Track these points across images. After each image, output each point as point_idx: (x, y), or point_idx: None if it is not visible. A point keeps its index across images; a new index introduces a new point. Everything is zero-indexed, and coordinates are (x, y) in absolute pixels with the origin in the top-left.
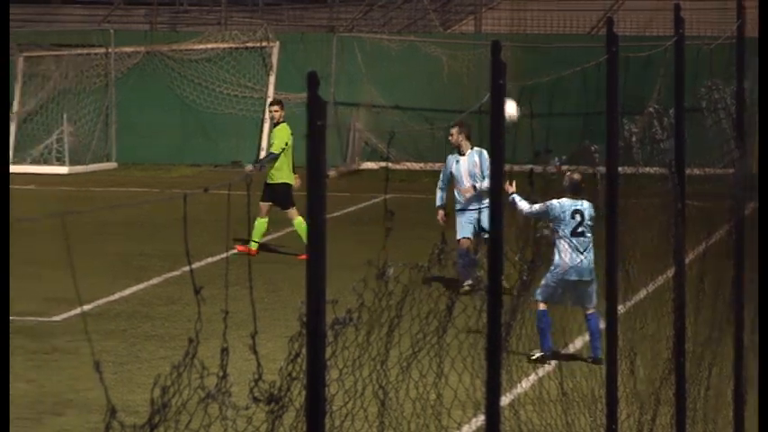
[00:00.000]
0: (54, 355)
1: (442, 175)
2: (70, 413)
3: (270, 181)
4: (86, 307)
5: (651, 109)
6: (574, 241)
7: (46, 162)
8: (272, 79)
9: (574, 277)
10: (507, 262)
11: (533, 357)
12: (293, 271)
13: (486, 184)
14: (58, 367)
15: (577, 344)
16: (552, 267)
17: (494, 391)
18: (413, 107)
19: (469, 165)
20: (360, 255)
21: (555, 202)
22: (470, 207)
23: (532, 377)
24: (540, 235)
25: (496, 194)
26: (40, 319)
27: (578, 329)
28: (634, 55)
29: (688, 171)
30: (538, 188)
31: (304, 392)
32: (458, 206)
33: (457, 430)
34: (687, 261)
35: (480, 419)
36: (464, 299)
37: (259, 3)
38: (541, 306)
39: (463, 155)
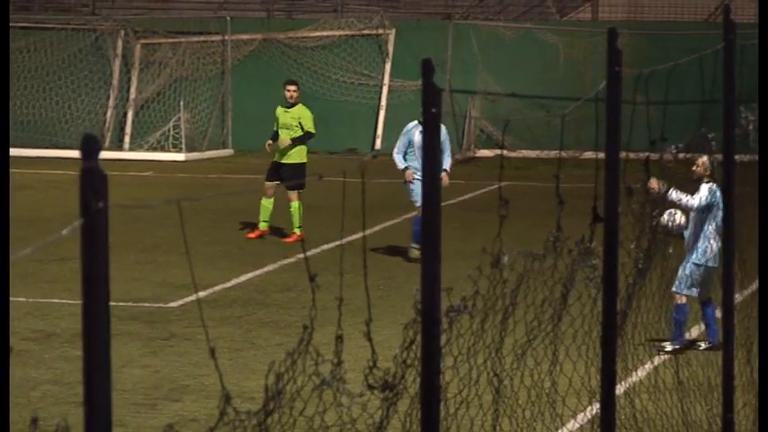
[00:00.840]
0: (170, 341)
1: (400, 142)
2: (186, 399)
3: (287, 161)
4: (202, 293)
5: None
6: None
7: (163, 149)
8: (387, 67)
9: (713, 264)
10: (622, 250)
11: (667, 350)
12: (409, 259)
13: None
14: (174, 353)
15: (693, 333)
16: (700, 257)
17: (609, 379)
18: (529, 95)
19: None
20: (474, 243)
21: (714, 187)
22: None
23: (648, 366)
24: (657, 223)
25: (612, 179)
26: (157, 305)
27: (693, 318)
28: (751, 43)
29: None
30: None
31: (418, 380)
32: (416, 174)
33: (572, 418)
34: None
35: (595, 408)
36: (579, 287)
37: None
38: (683, 299)
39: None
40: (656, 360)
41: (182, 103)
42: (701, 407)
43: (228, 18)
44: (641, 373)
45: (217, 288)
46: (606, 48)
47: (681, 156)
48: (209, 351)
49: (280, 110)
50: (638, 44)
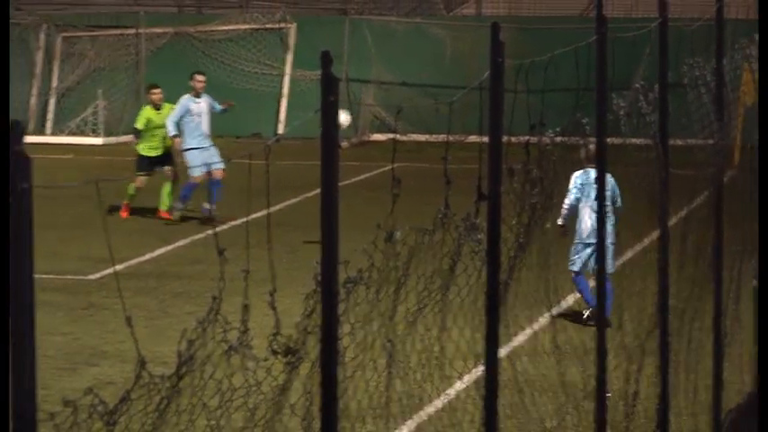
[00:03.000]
0: (90, 311)
1: (175, 111)
2: (104, 364)
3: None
4: (119, 266)
5: (638, 85)
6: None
7: (82, 134)
8: (289, 58)
9: (593, 239)
10: (504, 226)
11: (585, 316)
12: (310, 234)
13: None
14: (93, 321)
15: (570, 300)
16: (577, 235)
17: (492, 343)
18: (419, 84)
19: (207, 108)
20: (370, 219)
21: (577, 173)
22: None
23: (528, 331)
24: (535, 201)
25: (495, 161)
26: (77, 277)
27: (570, 287)
28: (621, 35)
29: (671, 142)
30: (533, 158)
31: (319, 345)
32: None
33: (459, 380)
34: (670, 224)
35: (480, 370)
36: (465, 259)
37: None
38: (573, 275)
39: (200, 98)
40: (536, 326)
41: (100, 92)
42: (576, 368)
43: (142, 13)
44: (522, 337)
45: (132, 262)
46: (489, 40)
47: (558, 139)
48: (125, 319)
49: (151, 111)
50: (519, 37)
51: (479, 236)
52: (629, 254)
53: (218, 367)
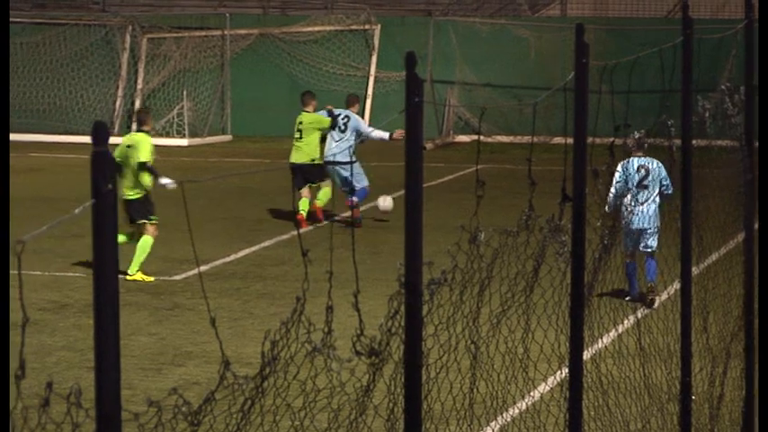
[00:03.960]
0: (175, 311)
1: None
2: (189, 364)
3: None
4: (204, 267)
5: (723, 87)
6: (638, 193)
7: (167, 135)
8: (373, 59)
9: (637, 226)
10: (589, 227)
11: (627, 299)
12: (393, 235)
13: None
14: (178, 322)
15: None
16: (623, 222)
17: (577, 345)
18: (502, 85)
19: None
20: (453, 220)
21: (622, 162)
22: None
23: (612, 333)
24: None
25: (579, 162)
26: (162, 278)
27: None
28: (707, 37)
29: (757, 144)
30: (618, 159)
31: (402, 346)
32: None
33: (543, 382)
34: (756, 226)
35: (564, 372)
36: (550, 261)
37: None
38: (628, 259)
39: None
40: (620, 328)
41: (184, 93)
42: (660, 371)
43: (228, 15)
44: (606, 339)
45: (217, 262)
46: (574, 41)
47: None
48: (209, 320)
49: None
50: (604, 38)
51: (564, 237)
52: (713, 256)
53: (302, 368)
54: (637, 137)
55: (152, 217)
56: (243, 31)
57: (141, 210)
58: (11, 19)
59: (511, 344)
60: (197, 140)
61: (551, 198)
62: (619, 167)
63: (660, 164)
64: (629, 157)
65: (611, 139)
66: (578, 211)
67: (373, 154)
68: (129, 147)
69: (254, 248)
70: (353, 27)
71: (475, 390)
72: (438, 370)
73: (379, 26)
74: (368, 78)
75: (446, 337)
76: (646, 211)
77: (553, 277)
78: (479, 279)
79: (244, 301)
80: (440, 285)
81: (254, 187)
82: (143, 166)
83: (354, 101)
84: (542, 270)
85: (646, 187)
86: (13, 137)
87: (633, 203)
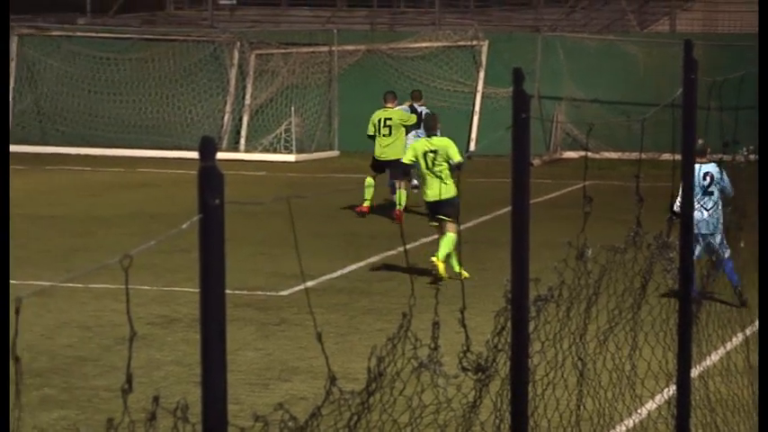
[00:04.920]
0: (281, 327)
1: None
2: (296, 379)
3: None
4: (310, 283)
5: None
6: (704, 199)
7: (275, 150)
8: (481, 75)
9: (704, 231)
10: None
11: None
12: (499, 251)
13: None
14: (284, 337)
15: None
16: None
17: (685, 363)
18: (611, 101)
19: None
20: (560, 237)
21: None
22: None
23: (721, 350)
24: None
25: (688, 179)
26: (269, 293)
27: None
28: None
29: None
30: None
31: (509, 363)
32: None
33: (650, 399)
34: None
35: (672, 389)
36: (657, 278)
37: (470, 5)
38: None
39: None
40: (729, 345)
41: (292, 109)
42: None
43: (335, 30)
44: (715, 357)
45: (324, 278)
46: (683, 57)
47: (752, 157)
48: (316, 335)
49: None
50: (712, 54)
51: (671, 254)
52: None
53: (409, 384)
54: (700, 142)
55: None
56: (350, 47)
57: (451, 208)
58: (120, 35)
59: (618, 361)
60: (304, 156)
61: (659, 214)
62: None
63: (719, 167)
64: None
65: (720, 156)
66: (686, 228)
67: (477, 171)
68: (432, 152)
69: (361, 264)
70: (461, 43)
71: (582, 406)
72: (545, 386)
73: (486, 42)
74: (475, 94)
75: (553, 354)
76: (712, 217)
77: (661, 294)
78: (586, 295)
79: (350, 316)
80: (546, 302)
81: (361, 203)
82: (459, 166)
83: (418, 96)
84: (650, 287)
85: (711, 194)
86: (122, 152)
87: (700, 210)
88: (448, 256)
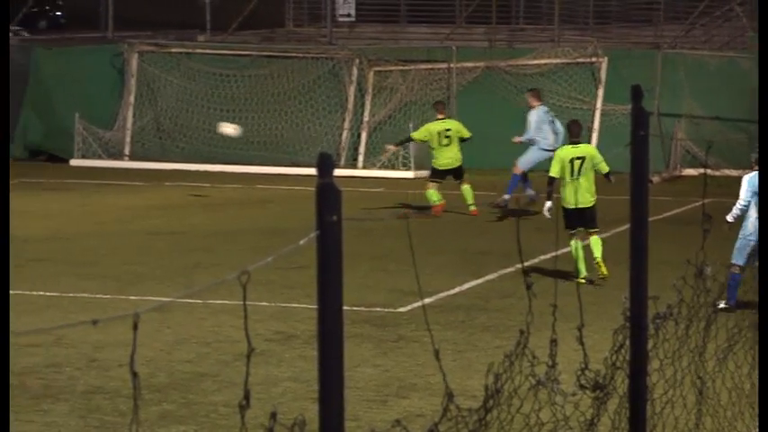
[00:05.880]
0: (399, 343)
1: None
2: (414, 396)
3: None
4: (428, 300)
5: None
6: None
7: (393, 167)
8: (600, 92)
9: (755, 240)
10: None
11: (720, 307)
12: (617, 268)
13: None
14: (402, 354)
15: None
16: (741, 232)
17: None
18: (731, 118)
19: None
20: (679, 254)
21: (747, 176)
22: None
23: None
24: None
25: None
26: (387, 309)
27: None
28: None
29: None
30: None
31: (627, 381)
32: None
33: None
34: None
35: None
36: None
37: (589, 21)
38: (736, 270)
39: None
40: None
41: (411, 126)
42: None
43: (454, 48)
44: None
45: (442, 294)
46: None
47: None
48: (434, 352)
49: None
50: None
51: None
52: None
53: (526, 401)
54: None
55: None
56: (469, 64)
57: (594, 217)
58: (239, 52)
59: (737, 379)
60: (423, 172)
61: None
62: (744, 182)
63: None
64: (751, 170)
65: None
66: None
67: (600, 187)
68: (579, 159)
69: (478, 281)
70: (580, 60)
71: (700, 426)
72: (663, 405)
73: (605, 59)
74: (594, 111)
75: (671, 372)
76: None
77: None
78: (705, 314)
79: (468, 333)
80: (665, 319)
81: (479, 220)
82: (609, 176)
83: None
84: None
85: None
86: (240, 169)
87: (756, 219)
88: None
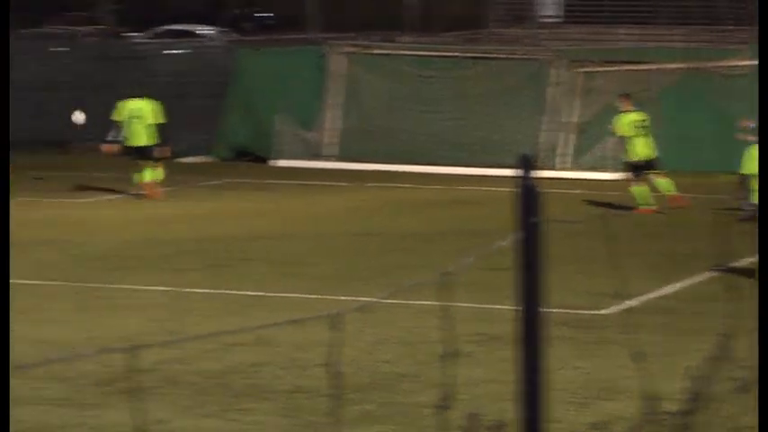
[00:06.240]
0: (600, 346)
1: None
2: (615, 399)
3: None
4: (632, 302)
5: None
6: None
7: (596, 169)
8: None
9: None
10: None
11: None
12: None
13: None
14: (603, 356)
15: None
16: None
17: None
18: None
19: None
20: None
21: None
22: None
23: None
24: None
25: None
26: (587, 311)
27: None
28: None
29: None
30: None
31: None
32: None
33: None
34: None
35: None
36: None
37: None
38: None
39: None
40: None
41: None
42: None
43: (657, 49)
44: None
45: (644, 297)
46: None
47: None
48: (635, 355)
49: None
50: None
51: None
52: None
53: (729, 405)
54: None
55: None
56: (672, 66)
57: None
58: (444, 53)
59: None
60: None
61: None
62: None
63: None
64: None
65: None
66: None
67: None
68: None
69: (683, 283)
70: None
71: None
72: None
73: None
74: None
75: None
76: None
77: None
78: None
79: (671, 336)
80: None
81: (682, 220)
82: None
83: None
84: None
85: None
86: (441, 169)
87: None
88: None
